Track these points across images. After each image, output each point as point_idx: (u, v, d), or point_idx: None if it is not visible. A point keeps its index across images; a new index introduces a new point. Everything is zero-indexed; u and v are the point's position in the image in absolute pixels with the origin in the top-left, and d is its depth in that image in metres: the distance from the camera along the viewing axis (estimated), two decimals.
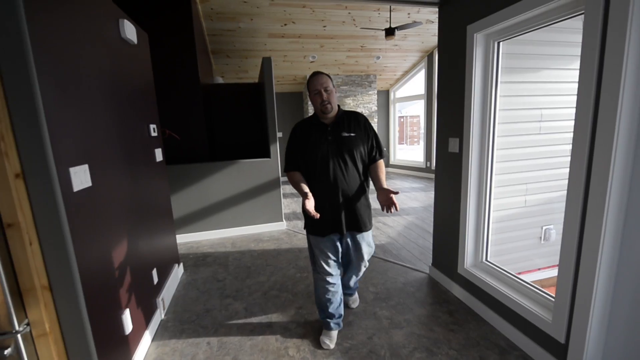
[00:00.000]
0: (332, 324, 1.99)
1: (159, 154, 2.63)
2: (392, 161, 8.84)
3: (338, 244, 1.89)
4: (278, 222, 4.17)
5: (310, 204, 1.68)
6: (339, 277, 1.98)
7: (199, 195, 3.84)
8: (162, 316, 2.30)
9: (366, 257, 1.98)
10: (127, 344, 1.73)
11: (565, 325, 1.58)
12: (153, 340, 2.07)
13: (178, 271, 2.88)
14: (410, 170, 8.15)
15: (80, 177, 1.39)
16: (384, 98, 8.72)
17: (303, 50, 6.32)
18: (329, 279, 1.91)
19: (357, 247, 1.92)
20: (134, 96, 2.18)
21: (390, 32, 4.98)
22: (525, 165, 2.60)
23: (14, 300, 1.19)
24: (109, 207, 1.66)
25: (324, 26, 5.62)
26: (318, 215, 1.66)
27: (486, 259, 2.28)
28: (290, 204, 5.61)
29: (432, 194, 5.44)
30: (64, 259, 1.28)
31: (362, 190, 1.84)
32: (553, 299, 1.68)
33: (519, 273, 2.35)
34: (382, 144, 1.89)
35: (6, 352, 1.18)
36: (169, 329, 2.18)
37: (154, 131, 2.55)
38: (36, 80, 1.16)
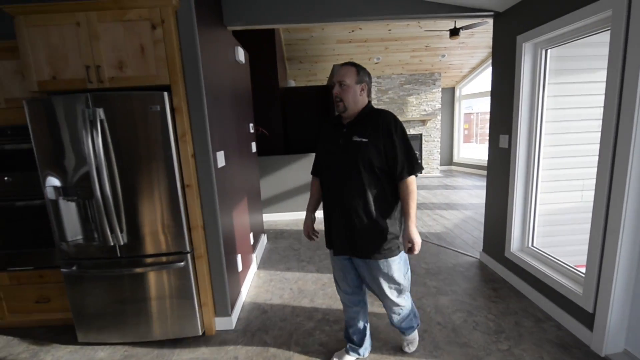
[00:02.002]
0: (348, 347, 1.82)
1: (253, 147, 3.38)
2: (455, 159, 8.79)
3: (347, 263, 1.65)
4: None
5: (306, 224, 1.72)
6: (358, 301, 1.75)
7: (276, 182, 4.60)
8: (256, 269, 3.03)
9: (388, 293, 1.60)
10: (239, 278, 2.45)
11: (593, 296, 1.83)
12: (251, 283, 2.79)
13: (264, 240, 3.63)
14: (475, 168, 8.05)
15: (221, 159, 2.11)
16: (449, 95, 8.69)
17: (368, 53, 6.76)
18: (345, 295, 1.74)
19: (373, 277, 1.59)
20: (241, 101, 2.92)
21: (455, 32, 5.16)
22: (581, 161, 2.73)
23: (188, 233, 1.93)
24: (232, 181, 2.38)
25: (389, 30, 5.99)
26: (314, 238, 1.71)
27: (532, 245, 2.53)
28: None
29: None
30: (213, 209, 1.99)
31: (369, 210, 1.47)
32: (584, 275, 1.93)
33: (577, 266, 2.53)
34: (415, 156, 1.46)
35: (182, 263, 1.93)
36: (261, 277, 2.89)
37: (251, 128, 3.30)
38: (204, 93, 1.88)
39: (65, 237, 1.90)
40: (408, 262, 1.68)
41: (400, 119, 7.51)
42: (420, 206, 5.11)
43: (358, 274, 1.68)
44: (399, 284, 1.60)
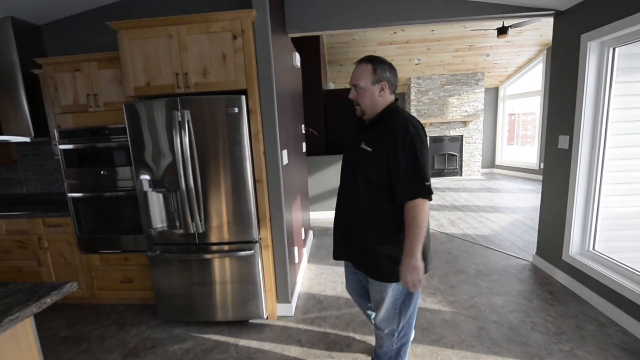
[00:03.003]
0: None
1: (304, 147, 3.55)
2: (497, 162, 8.49)
3: (348, 271, 1.62)
4: None
5: None
6: (365, 308, 1.74)
7: (319, 181, 4.75)
8: (307, 262, 3.18)
9: (379, 313, 1.44)
10: (295, 269, 2.61)
11: None
12: (304, 275, 2.94)
13: (311, 236, 3.79)
14: (519, 171, 7.73)
15: (285, 157, 2.28)
16: (492, 95, 8.42)
17: (409, 54, 6.75)
18: (352, 293, 1.72)
19: (372, 290, 1.45)
20: (295, 103, 3.09)
21: (503, 31, 5.04)
22: None
23: (257, 224, 2.11)
24: (291, 178, 2.55)
25: (432, 30, 5.95)
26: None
27: (593, 248, 2.45)
28: None
29: None
30: (279, 203, 2.16)
31: (363, 227, 1.34)
32: None
33: None
34: (424, 176, 1.21)
35: (251, 252, 2.11)
36: (312, 270, 3.04)
37: (302, 129, 3.47)
38: (275, 96, 2.05)
39: (152, 224, 2.15)
40: (415, 298, 1.43)
41: (440, 120, 7.51)
42: (463, 208, 5.04)
43: (360, 283, 1.59)
44: (385, 306, 1.39)
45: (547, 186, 2.83)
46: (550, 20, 2.66)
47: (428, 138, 1.34)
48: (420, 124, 1.32)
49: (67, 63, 2.25)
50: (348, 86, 7.91)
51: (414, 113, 7.76)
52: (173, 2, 2.53)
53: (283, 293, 2.30)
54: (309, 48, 4.87)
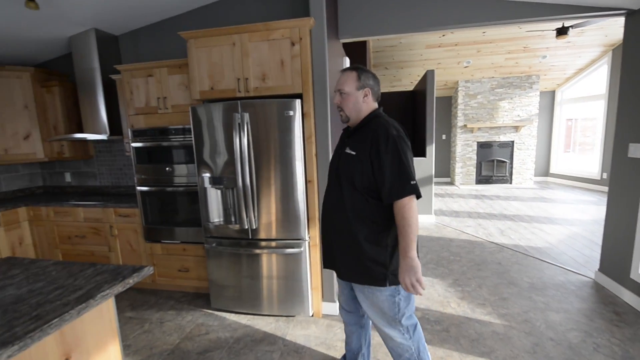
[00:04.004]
0: None
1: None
2: (552, 170, 7.91)
3: (342, 280, 1.55)
4: (428, 215, 4.68)
5: None
6: (354, 322, 1.65)
7: None
8: None
9: (376, 321, 1.41)
10: None
11: None
12: None
13: None
14: (578, 181, 7.13)
15: None
16: (548, 99, 7.88)
17: (458, 57, 6.54)
18: (341, 310, 1.66)
19: (361, 299, 1.43)
20: None
21: (563, 31, 4.72)
22: None
23: (307, 223, 2.19)
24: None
25: (483, 32, 5.71)
26: None
27: None
28: (437, 202, 5.98)
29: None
30: None
31: (348, 230, 1.34)
32: None
33: None
34: (408, 175, 1.23)
35: (300, 249, 2.19)
36: None
37: None
38: (328, 100, 2.12)
39: (210, 218, 2.31)
40: (410, 299, 1.38)
41: (489, 125, 7.19)
42: (514, 217, 4.77)
43: (353, 294, 1.54)
44: (383, 309, 1.36)
45: (614, 198, 2.61)
46: (619, 19, 2.46)
47: (409, 142, 1.34)
48: (403, 128, 1.35)
49: (142, 69, 2.50)
50: (393, 89, 7.84)
51: (460, 117, 7.50)
52: (232, 12, 2.71)
53: (329, 292, 2.35)
54: (356, 52, 4.91)
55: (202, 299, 2.66)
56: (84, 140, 3.30)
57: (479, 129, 7.45)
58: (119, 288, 1.25)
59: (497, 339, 2.05)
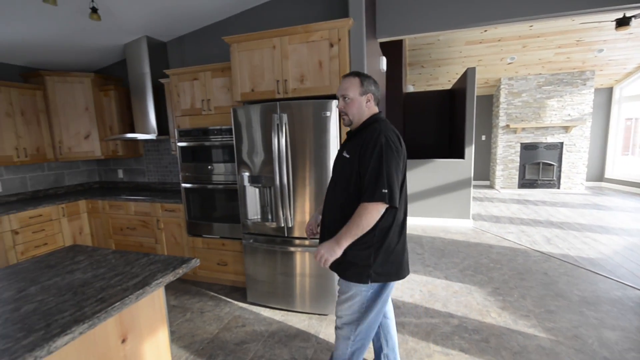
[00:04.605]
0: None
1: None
2: (608, 175, 7.26)
3: None
4: (465, 219, 4.49)
5: (309, 222, 1.73)
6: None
7: None
8: None
9: (341, 310, 1.45)
10: None
11: None
12: None
13: None
14: (637, 187, 6.48)
15: None
16: (604, 97, 7.24)
17: (501, 53, 6.20)
18: None
19: (340, 289, 1.50)
20: (380, 108, 3.11)
21: (624, 22, 4.32)
22: None
23: None
24: None
25: (530, 26, 5.37)
26: (311, 235, 1.70)
27: None
28: (475, 206, 5.73)
29: None
30: None
31: (338, 229, 1.37)
32: None
33: None
34: (383, 183, 1.25)
35: None
36: None
37: None
38: None
39: (248, 215, 2.40)
40: (380, 305, 1.41)
41: (535, 125, 6.79)
42: (562, 225, 4.44)
43: None
44: (352, 310, 1.41)
45: None
46: None
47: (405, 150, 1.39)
48: (398, 136, 1.37)
49: (188, 73, 2.65)
50: (429, 88, 7.61)
51: (502, 117, 7.12)
52: (271, 15, 2.78)
53: None
54: (393, 51, 4.84)
55: (238, 292, 2.76)
56: (135, 140, 3.56)
57: (523, 129, 7.02)
58: (170, 277, 1.34)
59: (543, 354, 1.92)
